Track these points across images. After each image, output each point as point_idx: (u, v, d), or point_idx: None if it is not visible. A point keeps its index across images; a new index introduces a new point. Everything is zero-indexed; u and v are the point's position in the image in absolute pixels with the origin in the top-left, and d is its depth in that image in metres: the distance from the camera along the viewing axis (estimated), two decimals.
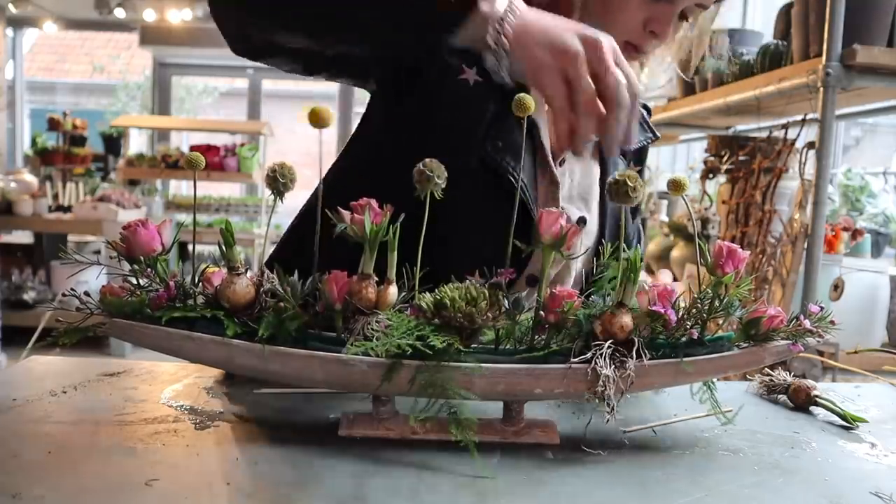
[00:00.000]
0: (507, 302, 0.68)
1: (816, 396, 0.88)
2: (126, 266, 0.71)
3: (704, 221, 2.62)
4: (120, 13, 6.86)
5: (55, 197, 5.33)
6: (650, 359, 0.69)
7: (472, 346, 0.68)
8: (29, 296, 4.84)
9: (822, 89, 1.86)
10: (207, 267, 0.72)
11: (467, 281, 0.69)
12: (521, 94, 0.69)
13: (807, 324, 0.74)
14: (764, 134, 2.49)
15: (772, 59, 2.29)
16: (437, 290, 0.68)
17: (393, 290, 0.70)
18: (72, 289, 0.71)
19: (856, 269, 2.27)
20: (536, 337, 0.70)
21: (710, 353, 0.71)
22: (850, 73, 1.87)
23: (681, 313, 0.71)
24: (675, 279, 0.87)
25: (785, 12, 2.37)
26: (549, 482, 0.64)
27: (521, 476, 0.65)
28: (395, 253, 0.70)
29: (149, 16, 7.08)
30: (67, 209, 5.10)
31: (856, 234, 2.44)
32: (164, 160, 6.30)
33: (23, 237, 5.64)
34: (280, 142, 8.28)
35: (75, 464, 0.63)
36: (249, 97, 8.67)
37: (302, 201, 1.01)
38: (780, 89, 2.10)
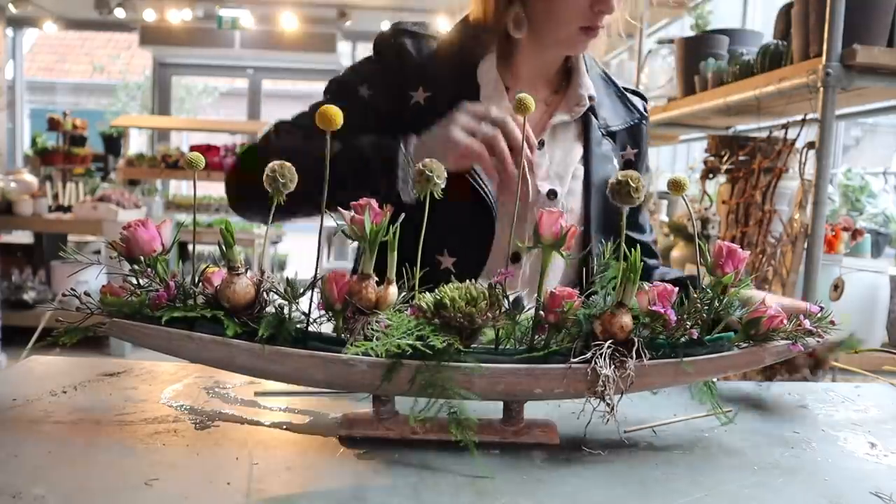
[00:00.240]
0: (507, 302, 0.69)
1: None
2: (126, 266, 0.71)
3: (704, 221, 2.61)
4: (120, 13, 6.85)
5: (55, 197, 5.32)
6: (650, 359, 0.69)
7: (472, 346, 0.68)
8: (29, 296, 4.83)
9: (822, 89, 1.86)
10: (207, 267, 0.71)
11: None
12: (522, 95, 0.69)
13: (807, 324, 0.74)
14: (764, 134, 2.49)
15: (772, 59, 2.29)
16: (436, 291, 0.68)
17: (393, 290, 0.70)
18: (72, 289, 0.71)
19: (856, 270, 2.27)
20: (536, 337, 0.70)
21: (710, 353, 0.71)
22: (850, 73, 1.86)
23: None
24: None
25: (785, 12, 2.37)
26: (548, 482, 0.64)
27: (520, 476, 0.65)
28: (395, 253, 0.70)
29: (149, 16, 7.07)
30: (67, 209, 5.09)
31: (856, 234, 2.43)
32: (164, 160, 6.29)
33: (23, 237, 5.62)
34: None
35: (75, 464, 0.63)
36: (249, 97, 8.67)
37: None
38: (780, 89, 2.10)
